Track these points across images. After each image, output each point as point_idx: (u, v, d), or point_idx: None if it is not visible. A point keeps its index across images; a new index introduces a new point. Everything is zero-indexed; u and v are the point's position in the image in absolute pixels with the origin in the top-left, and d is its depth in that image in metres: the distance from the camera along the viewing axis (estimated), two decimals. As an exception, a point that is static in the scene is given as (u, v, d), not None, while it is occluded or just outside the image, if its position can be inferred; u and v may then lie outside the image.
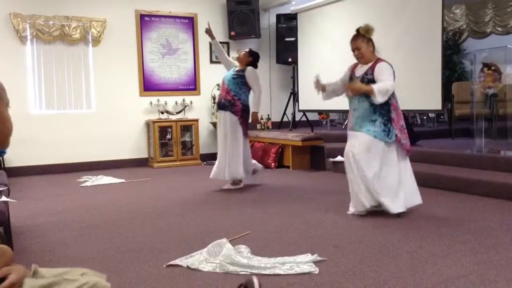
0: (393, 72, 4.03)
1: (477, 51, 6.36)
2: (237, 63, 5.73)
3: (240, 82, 5.52)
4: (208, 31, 5.88)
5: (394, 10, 6.40)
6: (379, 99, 3.84)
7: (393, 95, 4.01)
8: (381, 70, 3.96)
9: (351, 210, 4.14)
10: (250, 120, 5.65)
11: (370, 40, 4.07)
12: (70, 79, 7.55)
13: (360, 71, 4.11)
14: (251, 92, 5.63)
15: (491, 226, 3.67)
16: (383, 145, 4.00)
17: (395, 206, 3.98)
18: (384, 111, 4.00)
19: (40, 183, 6.48)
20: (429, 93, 6.00)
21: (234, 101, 5.48)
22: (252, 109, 5.61)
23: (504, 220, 3.84)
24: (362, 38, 4.05)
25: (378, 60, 4.06)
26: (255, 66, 5.66)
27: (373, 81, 3.97)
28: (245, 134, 5.59)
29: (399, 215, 3.99)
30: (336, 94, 4.45)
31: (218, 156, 5.63)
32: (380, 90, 3.82)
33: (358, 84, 3.95)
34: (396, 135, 3.99)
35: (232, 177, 5.55)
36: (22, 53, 7.23)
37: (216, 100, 5.85)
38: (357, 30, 4.08)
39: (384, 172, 4.00)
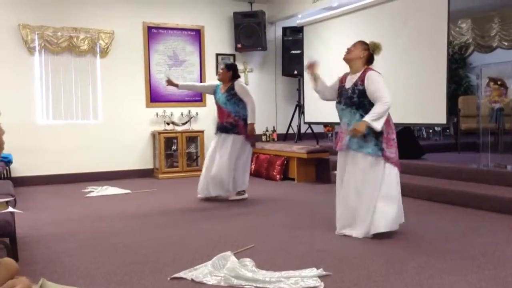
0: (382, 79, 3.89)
1: (483, 65, 6.36)
2: (216, 82, 5.85)
3: (236, 101, 5.59)
4: (169, 82, 5.90)
5: (400, 23, 6.42)
6: (378, 126, 3.72)
7: None
8: (371, 82, 3.82)
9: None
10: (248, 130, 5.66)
11: (368, 52, 3.96)
12: (77, 90, 7.60)
13: (350, 82, 3.99)
14: (258, 103, 5.76)
15: (497, 242, 3.64)
16: (374, 160, 3.86)
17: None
18: None
19: (46, 193, 6.50)
20: (434, 106, 5.99)
21: (236, 121, 5.58)
22: (248, 121, 5.62)
23: (511, 236, 3.81)
24: (363, 46, 3.99)
25: (367, 69, 3.93)
26: (237, 76, 5.73)
27: (364, 91, 3.84)
28: (253, 145, 5.83)
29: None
30: (324, 95, 4.31)
31: (207, 174, 5.64)
32: (373, 119, 3.71)
33: (356, 125, 3.76)
34: (382, 149, 3.84)
35: (245, 187, 5.79)
36: (30, 64, 7.29)
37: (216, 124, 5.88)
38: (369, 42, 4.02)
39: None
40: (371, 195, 3.84)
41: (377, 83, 3.82)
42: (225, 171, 5.56)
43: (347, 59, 4.04)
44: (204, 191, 5.71)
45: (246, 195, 5.80)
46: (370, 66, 3.99)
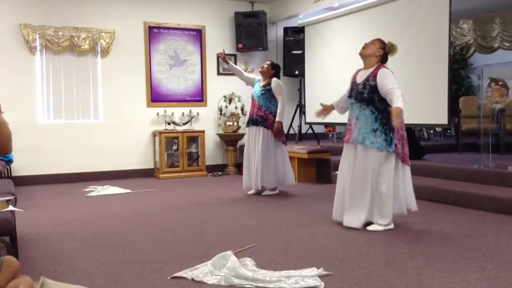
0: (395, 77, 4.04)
1: (484, 66, 6.36)
2: (258, 77, 6.06)
3: (269, 96, 5.83)
4: (223, 58, 6.11)
5: (401, 24, 6.41)
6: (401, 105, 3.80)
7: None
8: (384, 76, 3.94)
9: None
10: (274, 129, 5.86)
11: (384, 52, 4.08)
12: (78, 90, 7.61)
13: (361, 77, 4.10)
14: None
15: (498, 242, 3.64)
16: (384, 155, 3.99)
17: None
18: (385, 119, 3.98)
19: (47, 193, 6.50)
20: (436, 107, 5.99)
21: (266, 115, 5.80)
22: (276, 118, 5.80)
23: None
24: (380, 44, 4.10)
25: (380, 66, 4.05)
26: (278, 77, 5.95)
27: (375, 87, 3.95)
28: (284, 143, 5.98)
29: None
30: (341, 110, 4.52)
31: (246, 167, 5.97)
32: (401, 103, 3.80)
33: (395, 112, 3.75)
34: (396, 145, 3.99)
35: (292, 183, 6.04)
36: (32, 63, 7.30)
37: (247, 117, 6.26)
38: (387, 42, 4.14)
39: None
40: (388, 188, 3.97)
41: (389, 78, 3.93)
42: (261, 164, 5.77)
43: (362, 55, 4.13)
44: (249, 186, 5.94)
45: (277, 191, 6.05)
46: (384, 65, 4.09)
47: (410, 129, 7.00)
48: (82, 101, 7.65)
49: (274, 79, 5.83)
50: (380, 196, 4.01)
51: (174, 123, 8.16)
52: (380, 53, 4.07)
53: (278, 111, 5.77)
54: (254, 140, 5.86)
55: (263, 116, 5.80)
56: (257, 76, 6.12)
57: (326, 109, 4.56)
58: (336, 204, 4.28)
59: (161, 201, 5.72)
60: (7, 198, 3.39)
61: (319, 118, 4.67)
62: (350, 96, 4.17)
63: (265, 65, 5.95)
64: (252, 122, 5.90)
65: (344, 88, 4.42)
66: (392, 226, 4.08)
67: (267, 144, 5.80)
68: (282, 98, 5.80)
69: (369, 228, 4.06)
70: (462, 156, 7.06)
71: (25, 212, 4.31)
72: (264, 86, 5.85)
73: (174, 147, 8.08)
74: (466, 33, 9.53)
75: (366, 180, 4.04)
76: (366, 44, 4.13)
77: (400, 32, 6.40)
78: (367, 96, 3.98)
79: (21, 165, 7.08)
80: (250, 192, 6.03)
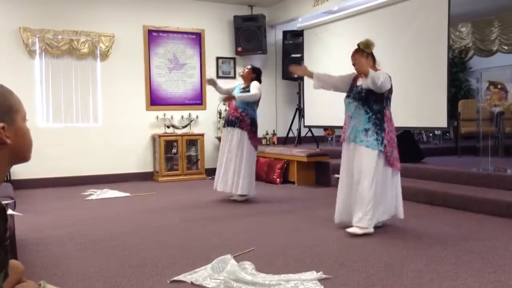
0: (390, 80, 4.09)
1: (483, 69, 6.37)
2: (239, 82, 6.02)
3: None
4: (211, 82, 6.00)
5: (400, 27, 6.43)
6: (368, 81, 3.91)
7: (387, 107, 4.10)
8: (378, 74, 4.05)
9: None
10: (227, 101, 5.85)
11: (369, 55, 4.14)
12: (77, 93, 7.61)
13: (362, 81, 4.17)
14: (259, 107, 5.90)
15: (497, 246, 3.64)
16: (376, 154, 4.04)
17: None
18: (378, 120, 4.07)
19: (46, 196, 6.49)
20: (435, 110, 6.00)
21: (242, 117, 5.72)
22: (239, 97, 5.69)
23: (511, 240, 3.81)
24: (361, 53, 4.12)
25: (378, 70, 4.14)
26: (259, 81, 5.91)
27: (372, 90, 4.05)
28: (255, 147, 5.81)
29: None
30: (328, 88, 4.50)
31: (218, 169, 5.87)
32: (372, 76, 3.88)
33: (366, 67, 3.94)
34: (385, 146, 4.04)
35: (244, 193, 5.75)
36: (31, 67, 7.30)
37: (224, 117, 6.10)
38: (358, 45, 4.16)
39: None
40: (370, 188, 3.99)
41: (381, 75, 3.97)
42: (231, 167, 5.68)
43: (363, 73, 4.13)
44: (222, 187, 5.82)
45: (247, 197, 5.86)
46: (380, 68, 4.19)
47: (409, 132, 7.01)
48: (82, 105, 7.64)
49: (254, 82, 5.79)
50: (362, 196, 4.03)
51: (173, 126, 8.16)
52: (370, 59, 4.13)
53: (245, 94, 5.65)
54: (229, 141, 5.79)
55: (239, 117, 5.71)
56: (237, 82, 6.07)
57: (303, 70, 4.62)
58: (338, 206, 4.30)
59: (160, 205, 5.71)
60: (6, 202, 3.39)
61: (294, 74, 4.70)
62: (348, 96, 4.28)
63: (246, 69, 5.92)
64: (228, 123, 5.82)
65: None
66: (372, 230, 4.02)
67: (238, 145, 5.69)
68: (254, 92, 5.65)
69: (349, 230, 4.01)
70: (461, 159, 7.06)
71: (24, 216, 4.30)
72: (243, 88, 5.80)
73: (173, 150, 8.08)
74: (465, 37, 9.56)
75: (357, 179, 4.10)
76: (355, 65, 4.14)
77: (399, 36, 6.42)
78: (364, 95, 4.09)
79: (20, 169, 7.06)
80: (233, 198, 5.87)
